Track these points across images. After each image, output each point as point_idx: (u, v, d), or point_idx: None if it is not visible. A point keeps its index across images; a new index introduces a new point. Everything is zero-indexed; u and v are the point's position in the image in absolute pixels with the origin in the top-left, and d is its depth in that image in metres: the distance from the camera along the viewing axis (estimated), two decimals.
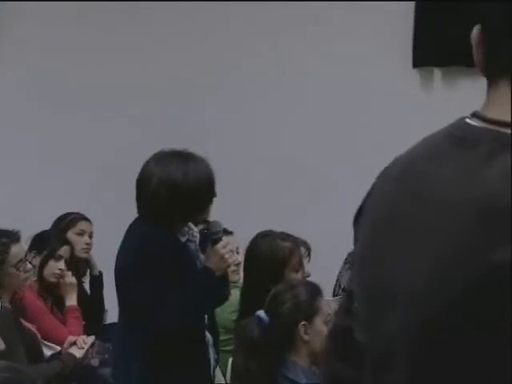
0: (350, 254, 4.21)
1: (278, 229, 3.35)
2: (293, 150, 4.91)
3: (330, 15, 4.88)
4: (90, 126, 5.01)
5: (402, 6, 4.81)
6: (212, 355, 2.82)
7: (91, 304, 4.07)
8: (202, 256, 2.81)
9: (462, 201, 0.95)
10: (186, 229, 2.78)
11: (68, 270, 3.82)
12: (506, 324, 0.90)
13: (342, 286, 4.12)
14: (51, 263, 3.77)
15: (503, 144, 0.95)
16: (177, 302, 2.64)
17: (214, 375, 2.92)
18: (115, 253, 2.81)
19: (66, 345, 3.42)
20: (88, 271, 4.26)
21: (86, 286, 4.26)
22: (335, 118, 4.91)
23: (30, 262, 3.56)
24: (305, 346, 2.58)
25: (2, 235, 3.26)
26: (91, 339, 3.49)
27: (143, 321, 2.65)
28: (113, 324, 3.72)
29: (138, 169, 2.79)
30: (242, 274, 3.47)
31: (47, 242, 3.84)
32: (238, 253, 3.52)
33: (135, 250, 2.71)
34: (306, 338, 2.57)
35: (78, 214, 4.24)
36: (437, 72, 5.03)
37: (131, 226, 2.79)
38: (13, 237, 3.29)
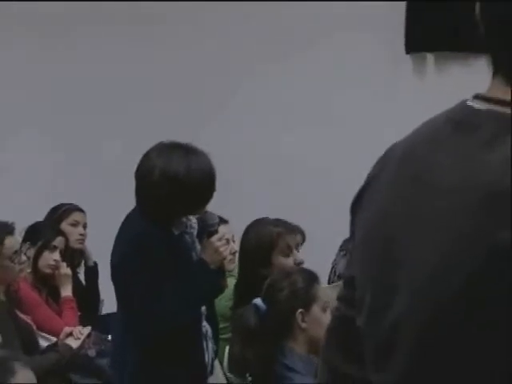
0: (345, 242, 4.22)
1: (274, 217, 3.35)
2: (290, 139, 4.91)
3: (322, 3, 4.86)
4: (87, 122, 4.99)
5: None
6: (210, 347, 2.81)
7: (86, 295, 4.07)
8: (198, 247, 2.79)
9: (463, 186, 0.94)
10: (184, 220, 2.77)
11: (63, 261, 3.81)
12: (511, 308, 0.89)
13: (338, 274, 4.13)
14: (46, 254, 3.76)
15: (504, 126, 0.94)
16: (172, 295, 2.63)
17: (212, 367, 2.90)
18: (110, 243, 2.80)
19: (62, 336, 3.41)
20: (83, 262, 4.25)
21: (81, 277, 4.25)
22: (326, 104, 4.91)
23: (25, 254, 3.55)
24: (302, 334, 2.58)
25: None
26: (87, 330, 3.48)
27: (139, 313, 2.64)
28: (109, 315, 3.73)
29: (134, 161, 2.77)
30: (236, 261, 3.48)
31: (41, 233, 3.83)
32: (233, 241, 3.52)
33: (131, 243, 2.70)
34: (304, 325, 2.58)
35: (71, 204, 4.23)
36: (429, 57, 5.03)
37: (128, 216, 2.78)
38: (7, 229, 3.27)
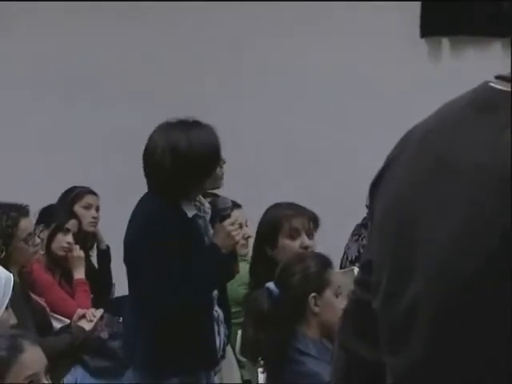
0: (357, 227, 4.23)
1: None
2: (303, 126, 4.90)
3: None
4: (99, 107, 4.99)
5: None
6: (223, 331, 2.81)
7: (99, 277, 4.09)
8: (211, 231, 2.79)
9: (484, 167, 0.94)
10: (196, 203, 2.77)
11: (76, 243, 3.83)
12: None
13: (350, 259, 4.14)
14: (59, 236, 3.78)
15: None
16: (183, 279, 2.63)
17: (224, 352, 2.90)
18: (122, 227, 2.82)
19: (75, 318, 3.44)
20: (95, 245, 4.27)
21: (94, 260, 4.27)
22: (342, 89, 4.90)
23: (38, 236, 3.57)
24: (315, 318, 2.59)
25: (11, 209, 3.26)
26: (100, 312, 3.51)
27: (149, 295, 2.65)
28: (121, 297, 3.75)
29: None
30: (250, 247, 3.48)
31: (54, 216, 3.85)
32: (246, 226, 3.52)
33: (142, 225, 2.71)
34: (317, 309, 2.58)
35: (84, 187, 4.24)
36: (445, 42, 5.01)
37: (141, 199, 2.79)
38: (22, 211, 3.29)
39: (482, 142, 0.95)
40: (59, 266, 3.80)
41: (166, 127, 2.71)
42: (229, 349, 3.12)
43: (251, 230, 3.45)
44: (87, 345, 3.40)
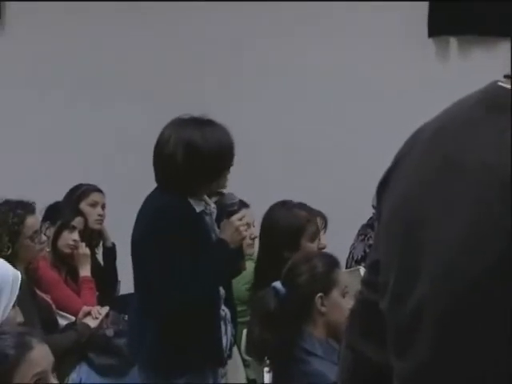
0: (363, 227, 4.23)
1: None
2: (308, 126, 4.90)
3: None
4: (99, 107, 4.99)
5: None
6: (230, 331, 2.80)
7: (104, 275, 4.09)
8: (217, 230, 2.78)
9: (493, 166, 0.93)
10: (202, 202, 2.76)
11: (82, 241, 3.83)
12: None
13: (356, 258, 4.14)
14: (65, 234, 3.78)
15: None
16: (189, 274, 2.62)
17: (231, 352, 2.88)
18: (127, 225, 2.82)
19: (80, 315, 3.45)
20: (101, 243, 4.27)
21: (99, 258, 4.27)
22: (346, 89, 4.90)
23: (44, 233, 3.58)
24: (322, 318, 2.59)
25: (18, 206, 3.27)
26: (105, 310, 3.51)
27: (155, 291, 2.64)
28: (126, 295, 3.76)
29: (151, 143, 2.78)
30: (256, 247, 3.48)
31: (61, 213, 3.85)
32: (253, 226, 3.51)
33: (150, 221, 2.71)
34: (323, 309, 2.58)
35: (90, 185, 4.25)
36: (452, 41, 5.00)
37: (149, 195, 2.79)
38: (28, 208, 3.29)
39: (490, 142, 0.95)
40: (65, 263, 3.81)
41: (180, 123, 2.71)
42: (234, 348, 3.12)
43: (256, 230, 3.45)
44: (92, 342, 3.40)
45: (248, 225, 2.87)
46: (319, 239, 3.30)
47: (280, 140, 4.95)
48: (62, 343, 3.21)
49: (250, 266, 3.32)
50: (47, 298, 3.46)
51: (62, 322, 3.49)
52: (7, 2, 5.02)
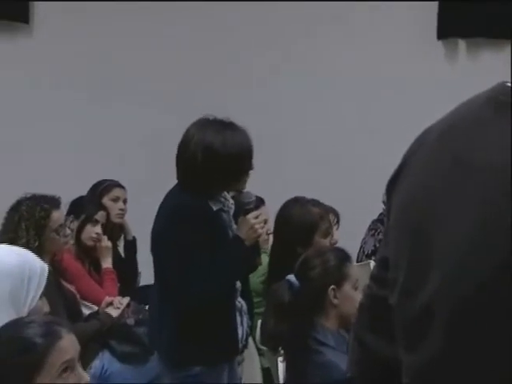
0: (373, 222, 4.23)
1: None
2: (321, 126, 4.91)
3: None
4: (130, 110, 5.00)
5: None
6: (246, 322, 2.80)
7: (125, 267, 4.12)
8: (235, 226, 2.78)
9: (503, 165, 0.92)
10: (221, 198, 2.77)
11: (104, 234, 3.86)
12: None
13: (366, 252, 4.15)
14: (88, 227, 3.81)
15: None
16: (206, 270, 2.62)
17: (247, 342, 2.89)
18: (148, 220, 2.83)
19: (103, 305, 3.47)
20: (122, 236, 4.30)
21: (121, 250, 4.30)
22: (360, 87, 4.89)
23: (69, 227, 3.60)
24: (334, 310, 2.59)
25: (44, 201, 3.30)
26: (126, 300, 3.54)
27: (174, 286, 2.65)
28: (146, 286, 3.78)
29: (172, 142, 2.79)
30: (270, 240, 3.49)
31: (84, 208, 3.88)
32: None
33: (169, 217, 2.72)
34: (335, 301, 2.59)
35: (112, 180, 4.27)
36: (461, 43, 4.98)
37: (169, 192, 2.80)
38: (54, 203, 3.32)
39: (497, 141, 0.93)
40: (88, 255, 3.83)
41: (203, 124, 2.70)
42: (250, 341, 3.14)
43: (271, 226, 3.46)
44: (114, 331, 3.43)
45: (264, 221, 2.87)
46: (332, 235, 3.30)
47: (295, 141, 4.96)
48: (86, 332, 3.23)
49: (264, 259, 3.33)
50: (72, 288, 3.49)
51: (86, 312, 3.52)
52: (36, 8, 5.02)
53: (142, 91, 5.01)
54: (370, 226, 4.23)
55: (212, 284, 2.64)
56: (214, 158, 2.62)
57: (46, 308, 2.10)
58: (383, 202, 3.65)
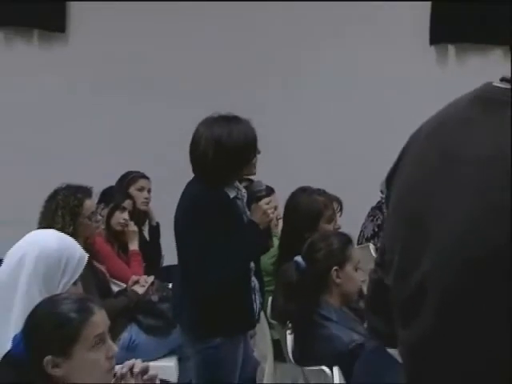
0: (372, 209, 4.23)
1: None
2: (327, 122, 4.89)
3: None
4: (160, 109, 4.96)
5: None
6: (258, 299, 2.80)
7: (150, 249, 4.15)
8: (248, 213, 2.79)
9: (492, 158, 0.91)
10: (235, 188, 2.77)
11: (131, 220, 3.88)
12: None
13: (366, 236, 4.15)
14: (117, 214, 3.84)
15: None
16: (224, 252, 2.62)
17: (259, 317, 2.91)
18: (171, 207, 2.84)
19: (130, 283, 3.49)
20: (147, 222, 4.32)
21: (146, 234, 4.32)
22: (352, 92, 4.87)
23: (100, 214, 3.62)
24: (337, 289, 2.61)
25: (78, 191, 3.32)
26: (151, 279, 3.55)
27: (194, 268, 2.65)
28: (170, 266, 3.80)
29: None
30: (280, 227, 3.50)
31: (113, 197, 3.91)
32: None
33: (189, 205, 2.72)
34: (338, 281, 2.60)
35: (137, 172, 4.30)
36: (450, 48, 4.95)
37: (189, 183, 2.81)
38: (86, 192, 3.34)
39: (488, 136, 0.93)
40: (117, 239, 3.85)
41: (210, 121, 2.71)
42: (262, 316, 3.15)
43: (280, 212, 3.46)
44: (140, 306, 3.45)
45: (275, 207, 2.88)
46: (335, 221, 3.31)
47: (302, 134, 4.94)
48: (115, 307, 3.25)
49: (274, 242, 3.33)
50: (102, 268, 3.51)
51: (115, 289, 3.54)
52: (71, 17, 5.00)
53: (172, 91, 4.94)
54: (369, 212, 4.23)
55: (228, 269, 2.64)
56: (223, 152, 2.63)
57: (80, 291, 2.07)
58: (381, 191, 3.65)
